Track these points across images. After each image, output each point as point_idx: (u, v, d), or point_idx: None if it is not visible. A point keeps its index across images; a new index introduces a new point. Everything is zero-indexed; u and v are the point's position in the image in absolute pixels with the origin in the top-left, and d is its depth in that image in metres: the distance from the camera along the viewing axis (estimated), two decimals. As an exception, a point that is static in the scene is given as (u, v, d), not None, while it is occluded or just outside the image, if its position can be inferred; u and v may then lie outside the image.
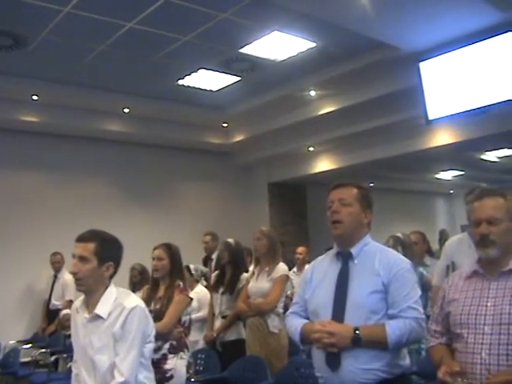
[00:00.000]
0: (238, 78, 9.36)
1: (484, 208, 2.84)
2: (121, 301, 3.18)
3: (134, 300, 3.25)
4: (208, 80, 9.39)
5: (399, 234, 6.08)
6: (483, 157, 14.45)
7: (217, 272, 6.47)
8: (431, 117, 8.22)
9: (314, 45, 8.05)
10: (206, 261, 8.46)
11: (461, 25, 7.23)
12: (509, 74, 7.39)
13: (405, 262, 3.15)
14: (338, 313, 3.01)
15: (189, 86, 9.63)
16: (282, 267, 5.62)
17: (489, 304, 2.70)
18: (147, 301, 4.40)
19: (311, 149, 12.06)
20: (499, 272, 2.77)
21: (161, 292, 4.76)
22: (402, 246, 5.85)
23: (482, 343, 2.63)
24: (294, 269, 8.45)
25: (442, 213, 19.95)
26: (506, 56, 7.35)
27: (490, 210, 2.81)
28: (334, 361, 2.96)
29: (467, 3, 6.71)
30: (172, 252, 4.85)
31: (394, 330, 2.93)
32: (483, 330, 2.65)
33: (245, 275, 6.04)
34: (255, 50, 8.22)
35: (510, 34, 7.27)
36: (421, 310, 3.04)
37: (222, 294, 6.03)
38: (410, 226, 8.97)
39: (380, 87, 8.90)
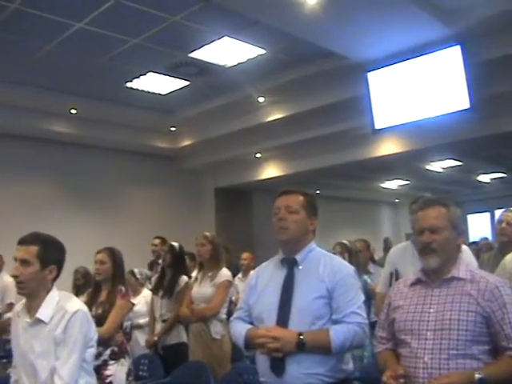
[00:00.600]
0: (187, 83, 9.33)
1: (427, 217, 2.89)
2: (63, 304, 3.12)
3: (77, 304, 3.19)
4: (157, 83, 9.33)
5: (346, 241, 6.13)
6: (428, 167, 14.72)
7: (157, 275, 6.44)
8: (377, 126, 8.34)
9: (263, 51, 8.08)
10: (153, 265, 8.40)
11: (408, 37, 7.35)
12: (454, 86, 7.54)
13: (349, 269, 3.19)
14: (283, 318, 3.02)
15: (137, 89, 9.56)
16: (225, 273, 5.60)
17: (431, 310, 2.76)
18: (89, 305, 4.33)
19: (258, 155, 12.09)
20: (441, 279, 2.82)
21: (103, 296, 4.70)
22: (349, 252, 5.91)
23: (425, 348, 2.68)
24: (239, 275, 8.43)
25: (387, 221, 20.22)
26: (451, 69, 7.51)
27: (433, 220, 2.86)
28: (278, 366, 2.97)
29: (414, 16, 6.83)
30: (115, 256, 4.79)
31: (337, 334, 2.95)
32: (426, 336, 2.70)
33: (184, 278, 6.00)
34: (205, 55, 8.20)
35: (455, 47, 7.43)
36: (364, 315, 3.08)
37: (162, 297, 5.98)
38: (356, 234, 9.06)
39: (328, 95, 8.97)
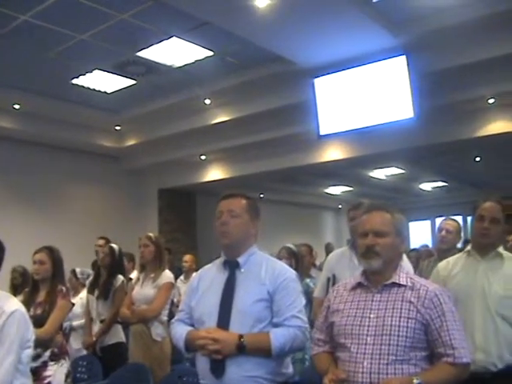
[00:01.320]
0: (134, 82, 9.24)
1: (372, 221, 2.93)
2: (0, 304, 3.05)
3: (14, 304, 3.11)
4: (103, 81, 9.22)
5: (291, 246, 6.15)
6: (372, 174, 14.90)
7: (92, 275, 6.37)
8: (322, 132, 8.42)
9: (211, 53, 8.06)
10: (95, 265, 8.30)
11: (355, 45, 7.46)
12: (399, 95, 7.67)
13: (290, 272, 3.21)
14: (224, 320, 3.02)
15: (83, 86, 9.42)
16: (167, 274, 5.56)
17: (372, 316, 2.78)
18: (26, 305, 4.24)
19: (203, 157, 12.05)
20: (382, 285, 2.85)
21: (41, 296, 4.60)
22: (295, 257, 5.93)
23: (365, 353, 2.71)
24: (181, 277, 8.39)
25: (329, 226, 20.38)
26: (396, 78, 7.64)
27: (378, 223, 2.90)
28: (218, 368, 2.97)
29: (362, 25, 6.93)
30: (54, 256, 4.71)
31: (277, 337, 2.97)
32: (366, 341, 2.73)
33: (120, 277, 5.94)
34: (152, 55, 8.14)
35: (401, 57, 7.56)
36: (304, 319, 3.11)
37: (97, 297, 5.91)
38: (299, 238, 9.10)
39: (275, 100, 9.01)
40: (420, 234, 19.06)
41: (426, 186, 17.92)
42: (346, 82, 8.08)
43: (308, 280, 5.97)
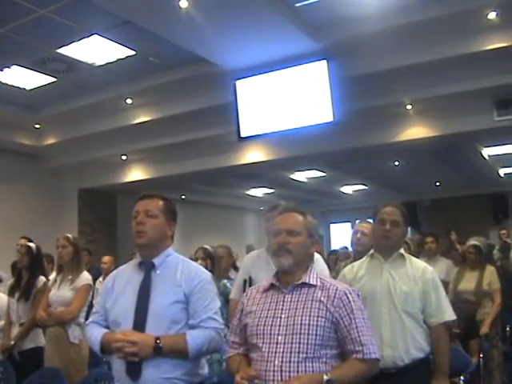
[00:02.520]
0: (54, 79, 9.05)
1: (285, 220, 3.00)
2: None
3: None
4: (22, 78, 8.98)
5: (208, 247, 6.15)
6: (293, 176, 15.04)
7: (14, 277, 6.21)
8: (243, 134, 8.47)
9: (133, 53, 7.99)
10: (15, 266, 8.09)
11: (277, 49, 7.53)
12: (319, 99, 7.78)
13: (205, 274, 3.23)
14: (139, 322, 3.02)
15: (0, 82, 9.15)
16: (85, 276, 5.47)
17: (283, 316, 2.83)
18: None
19: (124, 157, 11.94)
20: (293, 285, 2.91)
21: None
22: (211, 258, 5.93)
23: (276, 352, 2.75)
24: (100, 278, 8.29)
25: (252, 228, 20.44)
26: (317, 82, 7.75)
27: (291, 223, 2.97)
28: (134, 370, 2.96)
29: (283, 29, 7.01)
30: None
31: (194, 339, 2.99)
32: (277, 340, 2.78)
33: (42, 278, 5.81)
34: (73, 52, 7.99)
35: (322, 62, 7.68)
36: (220, 320, 3.14)
37: (18, 299, 5.76)
38: (220, 240, 9.11)
39: (197, 101, 9.00)
40: (341, 236, 19.39)
41: (347, 189, 18.22)
42: (268, 85, 8.15)
43: (226, 281, 5.98)
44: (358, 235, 5.45)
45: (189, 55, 7.80)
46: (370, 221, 4.18)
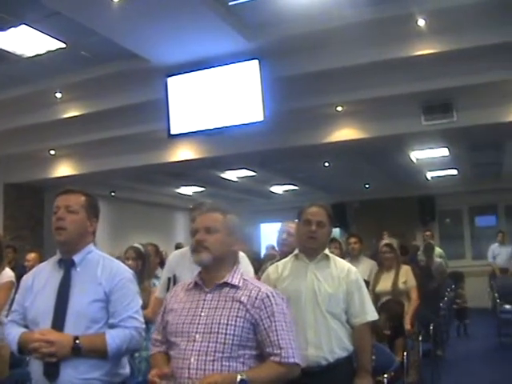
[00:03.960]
0: (-21, 70, 8.80)
1: (204, 219, 3.02)
2: None
3: None
4: None
5: (138, 245, 6.09)
6: (223, 175, 15.02)
7: None
8: (173, 132, 8.44)
9: (64, 45, 7.82)
10: None
11: (209, 47, 7.53)
12: (250, 99, 7.81)
13: (127, 272, 3.20)
14: (58, 321, 2.96)
15: None
16: (7, 273, 5.34)
17: (202, 314, 2.84)
18: None
19: (53, 152, 11.69)
20: (215, 284, 2.92)
21: None
22: (142, 257, 5.88)
23: (192, 350, 2.76)
24: (25, 276, 8.09)
25: (181, 227, 20.33)
26: (249, 82, 7.77)
27: (209, 221, 2.99)
28: (52, 371, 2.90)
29: (216, 28, 7.00)
30: None
31: (114, 339, 2.96)
32: (194, 338, 2.78)
33: None
34: (1, 42, 7.75)
35: (254, 61, 7.70)
36: (141, 319, 3.11)
37: None
38: (150, 238, 9.05)
39: (128, 97, 8.90)
40: (271, 235, 19.45)
41: (277, 189, 18.29)
42: (199, 83, 8.14)
43: (154, 280, 5.94)
44: (284, 235, 5.50)
45: (120, 50, 7.70)
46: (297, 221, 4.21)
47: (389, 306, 6.45)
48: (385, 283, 6.96)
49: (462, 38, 7.24)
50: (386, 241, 7.33)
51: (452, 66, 7.82)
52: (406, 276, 6.99)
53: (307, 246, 3.82)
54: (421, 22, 7.00)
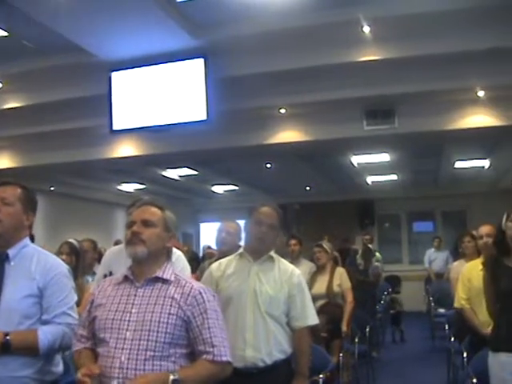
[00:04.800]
0: None
1: (141, 212, 2.99)
2: None
3: None
4: None
5: (73, 241, 6.01)
6: (165, 173, 14.94)
7: None
8: (115, 127, 8.34)
9: (5, 34, 7.64)
10: None
11: (155, 43, 7.44)
12: (194, 97, 7.79)
13: (62, 266, 3.14)
14: None
15: None
16: None
17: (133, 310, 2.79)
18: None
19: (-10, 143, 11.44)
20: (146, 279, 2.87)
21: None
22: (76, 253, 5.80)
23: (123, 348, 2.70)
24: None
25: (121, 224, 20.10)
26: (193, 80, 7.74)
27: (147, 214, 2.96)
28: None
29: (163, 24, 6.93)
30: None
31: (46, 335, 2.91)
32: (125, 336, 2.72)
33: None
34: None
35: (199, 60, 7.68)
36: (75, 315, 3.07)
37: None
38: (89, 234, 8.91)
39: (71, 90, 8.72)
40: (211, 235, 19.43)
41: (219, 189, 18.28)
42: (144, 79, 8.06)
43: (88, 277, 5.88)
44: (224, 234, 5.50)
45: (65, 42, 7.53)
46: (239, 221, 4.21)
47: (328, 309, 6.53)
48: (320, 286, 7.04)
49: (405, 46, 7.35)
50: (319, 243, 7.43)
51: (395, 73, 7.94)
52: (341, 278, 7.09)
53: (255, 246, 3.82)
54: (366, 29, 7.08)
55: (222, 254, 4.54)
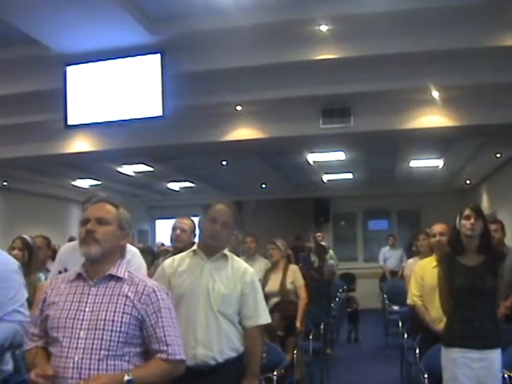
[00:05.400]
0: None
1: (96, 209, 2.94)
2: None
3: None
4: None
5: (26, 237, 5.90)
6: (120, 169, 14.81)
7: None
8: (70, 122, 8.23)
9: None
10: None
11: (112, 38, 7.35)
12: (150, 93, 7.73)
13: (12, 263, 3.11)
14: None
15: None
16: None
17: (87, 309, 2.75)
18: None
19: None
20: (100, 277, 2.84)
21: None
22: (28, 248, 5.70)
23: (77, 347, 2.66)
24: None
25: (76, 220, 19.85)
26: (149, 76, 7.69)
27: (101, 212, 2.92)
28: None
29: (120, 19, 6.84)
30: None
31: None
32: (79, 335, 2.68)
33: None
34: None
35: (155, 55, 7.63)
36: (26, 313, 3.02)
37: None
38: (43, 231, 8.78)
39: (25, 84, 8.56)
40: (167, 232, 19.33)
41: (174, 186, 18.20)
42: (99, 74, 7.96)
43: (41, 274, 5.80)
44: (178, 231, 5.48)
45: (19, 35, 7.37)
46: (194, 218, 4.19)
47: (282, 306, 6.55)
48: (273, 283, 7.07)
49: (363, 45, 7.41)
50: (273, 240, 7.45)
51: (352, 73, 7.98)
52: (293, 276, 7.13)
53: (208, 243, 3.80)
54: (323, 28, 7.11)
55: (177, 251, 4.51)
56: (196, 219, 4.28)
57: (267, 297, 6.79)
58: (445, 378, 4.29)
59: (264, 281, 7.08)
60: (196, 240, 4.59)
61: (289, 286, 7.01)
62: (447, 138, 10.88)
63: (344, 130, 9.25)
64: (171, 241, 5.74)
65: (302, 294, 7.03)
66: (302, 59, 7.65)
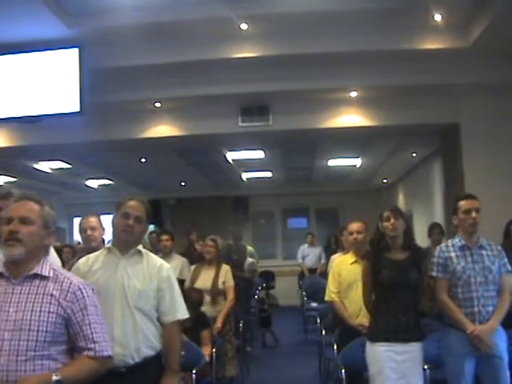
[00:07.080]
0: None
1: (19, 208, 2.85)
2: None
3: None
4: None
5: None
6: (36, 166, 14.44)
7: None
8: (-18, 118, 7.97)
9: None
10: None
11: (27, 30, 7.14)
12: (68, 88, 7.56)
13: None
14: None
15: None
16: None
17: (11, 310, 2.68)
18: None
19: None
20: (23, 276, 2.77)
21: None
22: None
23: (2, 349, 2.60)
24: None
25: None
26: (67, 70, 7.52)
27: (25, 211, 2.83)
28: None
29: (36, 11, 6.65)
30: None
31: None
32: (3, 336, 2.62)
33: None
34: None
35: (73, 50, 7.47)
36: None
37: None
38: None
39: None
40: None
41: (93, 183, 17.92)
42: (15, 67, 7.71)
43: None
44: (88, 232, 5.41)
45: None
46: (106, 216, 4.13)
47: (188, 294, 6.48)
48: (205, 279, 7.02)
49: (282, 44, 7.50)
50: (212, 237, 7.39)
51: (271, 71, 8.06)
52: (225, 276, 7.10)
53: (122, 238, 3.75)
54: (243, 26, 7.13)
55: (93, 250, 4.43)
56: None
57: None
58: (371, 373, 4.38)
59: (193, 276, 7.05)
60: (110, 237, 4.53)
61: (220, 286, 6.99)
62: (365, 137, 11.11)
63: (263, 129, 9.31)
64: (84, 241, 5.64)
65: (231, 295, 7.01)
66: (221, 57, 7.68)
